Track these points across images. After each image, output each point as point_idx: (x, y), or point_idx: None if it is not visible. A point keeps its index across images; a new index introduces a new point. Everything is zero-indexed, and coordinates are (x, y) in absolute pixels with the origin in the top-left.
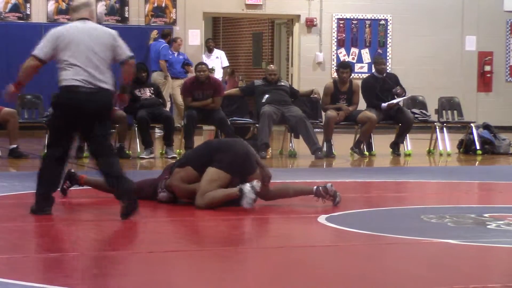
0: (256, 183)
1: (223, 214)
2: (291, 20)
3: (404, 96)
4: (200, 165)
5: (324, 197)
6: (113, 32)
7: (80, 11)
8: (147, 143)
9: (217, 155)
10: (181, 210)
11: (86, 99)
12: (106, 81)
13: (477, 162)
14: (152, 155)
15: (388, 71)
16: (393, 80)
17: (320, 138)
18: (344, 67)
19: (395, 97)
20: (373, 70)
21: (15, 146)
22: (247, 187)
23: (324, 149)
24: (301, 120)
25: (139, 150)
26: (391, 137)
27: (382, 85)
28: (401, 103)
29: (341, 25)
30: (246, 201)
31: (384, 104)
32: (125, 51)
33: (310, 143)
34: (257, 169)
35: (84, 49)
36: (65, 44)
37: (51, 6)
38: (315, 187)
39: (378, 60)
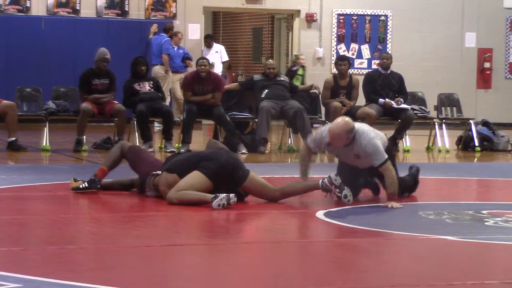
0: (233, 196)
1: (221, 208)
2: (291, 15)
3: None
4: (185, 173)
5: (331, 190)
6: None
7: None
8: (146, 137)
9: (204, 162)
10: (178, 204)
11: None
12: None
13: (476, 159)
14: (151, 149)
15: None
16: (397, 79)
17: None
18: (342, 60)
19: (394, 103)
20: (374, 66)
21: (13, 138)
22: (223, 194)
23: None
24: (299, 111)
25: (138, 144)
26: (390, 133)
27: (383, 80)
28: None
29: (341, 20)
30: (216, 201)
31: (381, 100)
32: None
33: (305, 134)
34: (247, 179)
35: None
36: None
37: None
38: (321, 180)
39: (383, 55)
